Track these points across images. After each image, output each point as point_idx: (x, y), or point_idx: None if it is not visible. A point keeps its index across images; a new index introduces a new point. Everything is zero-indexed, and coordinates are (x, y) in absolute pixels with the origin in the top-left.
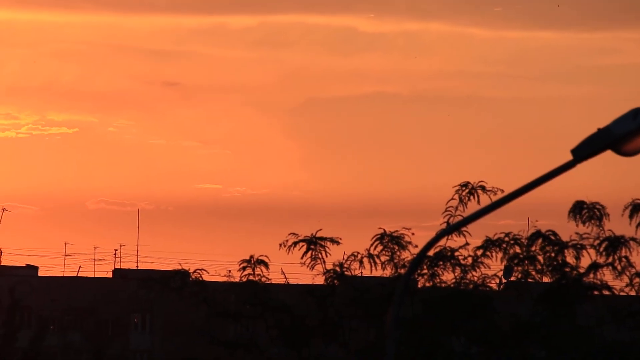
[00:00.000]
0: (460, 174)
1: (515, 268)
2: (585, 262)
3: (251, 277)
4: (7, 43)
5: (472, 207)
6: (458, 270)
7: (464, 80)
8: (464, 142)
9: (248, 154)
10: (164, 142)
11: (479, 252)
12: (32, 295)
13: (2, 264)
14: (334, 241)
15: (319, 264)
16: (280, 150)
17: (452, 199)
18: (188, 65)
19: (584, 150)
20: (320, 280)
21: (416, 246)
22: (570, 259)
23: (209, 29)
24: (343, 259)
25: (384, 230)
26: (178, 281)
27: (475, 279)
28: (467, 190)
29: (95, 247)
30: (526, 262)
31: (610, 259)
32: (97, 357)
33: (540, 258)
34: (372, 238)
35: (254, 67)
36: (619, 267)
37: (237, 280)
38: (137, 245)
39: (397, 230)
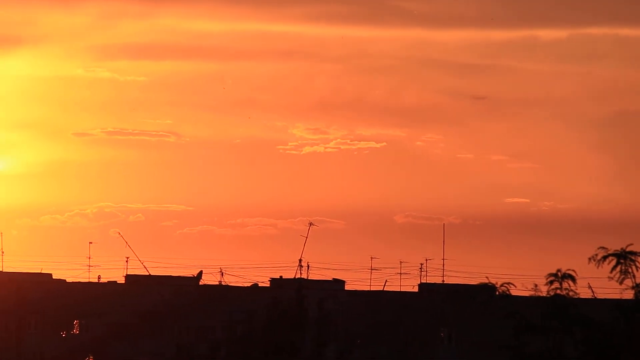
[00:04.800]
0: None
1: None
2: None
3: (558, 291)
4: (317, 58)
5: None
6: None
7: None
8: None
9: (557, 167)
10: (472, 156)
11: None
12: (339, 309)
13: (309, 278)
14: None
15: (628, 278)
16: (590, 163)
17: None
18: (497, 78)
19: None
20: (629, 294)
21: None
22: None
23: (519, 42)
24: None
25: None
26: (485, 295)
27: None
28: None
29: (401, 261)
30: None
31: None
32: None
33: None
34: None
35: (563, 80)
36: None
37: (543, 294)
38: (443, 259)
39: None
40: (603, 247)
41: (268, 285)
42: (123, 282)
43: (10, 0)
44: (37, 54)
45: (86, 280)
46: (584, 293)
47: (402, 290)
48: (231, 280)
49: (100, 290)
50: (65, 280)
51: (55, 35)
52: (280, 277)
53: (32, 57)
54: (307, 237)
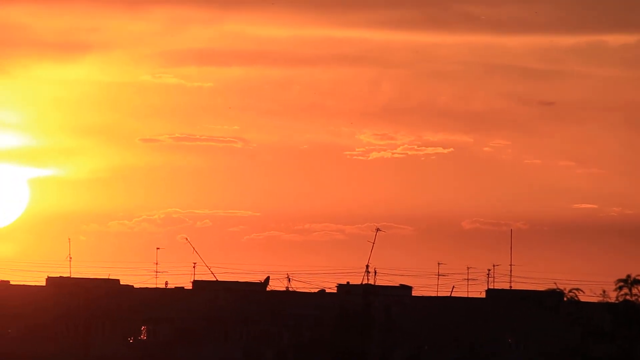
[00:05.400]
0: None
1: None
2: None
3: (627, 297)
4: (384, 64)
5: None
6: None
7: None
8: None
9: (624, 173)
10: (540, 162)
11: None
12: (406, 315)
13: (376, 284)
14: None
15: None
16: None
17: None
18: (564, 84)
19: None
20: None
21: None
22: None
23: (586, 48)
24: None
25: None
26: (552, 301)
27: None
28: None
29: (468, 267)
30: None
31: None
32: None
33: None
34: None
35: (631, 85)
36: None
37: (612, 300)
38: (511, 265)
39: None
40: None
41: (335, 291)
42: (190, 287)
43: (78, 8)
44: (104, 60)
45: (153, 285)
46: None
47: (469, 296)
48: (298, 286)
49: (167, 295)
50: (132, 285)
51: (123, 41)
52: (348, 283)
53: (100, 63)
54: (374, 243)
